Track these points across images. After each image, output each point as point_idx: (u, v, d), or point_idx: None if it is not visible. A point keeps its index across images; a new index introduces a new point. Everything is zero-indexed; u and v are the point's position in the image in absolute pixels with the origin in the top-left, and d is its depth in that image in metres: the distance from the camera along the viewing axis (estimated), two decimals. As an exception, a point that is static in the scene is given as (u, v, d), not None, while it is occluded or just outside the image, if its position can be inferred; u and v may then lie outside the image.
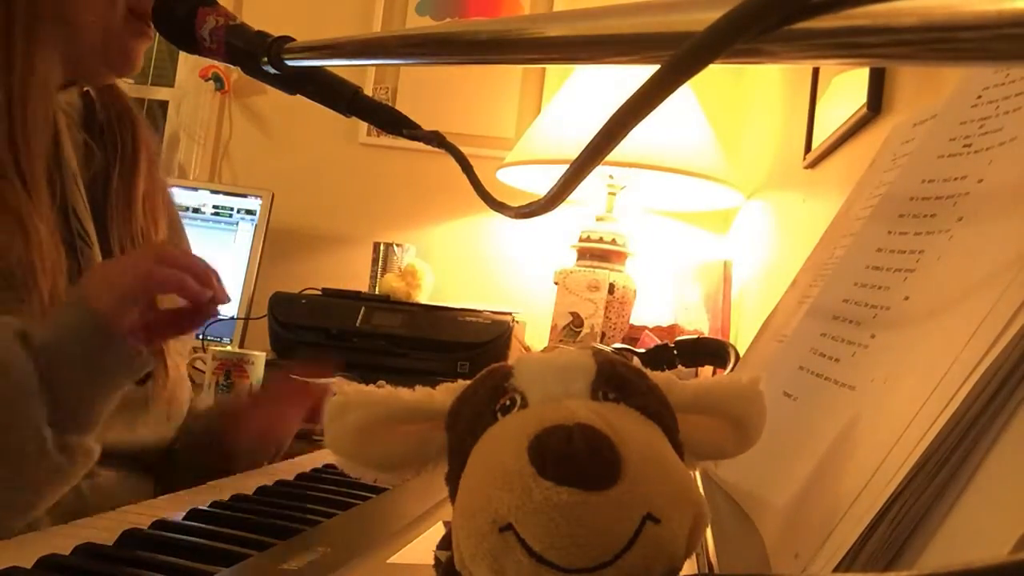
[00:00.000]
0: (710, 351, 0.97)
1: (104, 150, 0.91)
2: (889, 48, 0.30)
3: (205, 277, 0.71)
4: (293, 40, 0.71)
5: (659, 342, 1.71)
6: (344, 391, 0.36)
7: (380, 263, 2.04)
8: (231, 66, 0.79)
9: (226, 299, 0.72)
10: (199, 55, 0.81)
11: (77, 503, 0.81)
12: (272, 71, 0.71)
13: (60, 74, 0.86)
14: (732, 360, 0.89)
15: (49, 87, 0.83)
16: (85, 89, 0.92)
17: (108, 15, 0.85)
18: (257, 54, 0.71)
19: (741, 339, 1.73)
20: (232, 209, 2.11)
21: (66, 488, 0.70)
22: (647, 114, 0.32)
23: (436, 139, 0.68)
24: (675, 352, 0.95)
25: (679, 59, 0.30)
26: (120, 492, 0.87)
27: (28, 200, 0.78)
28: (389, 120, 0.74)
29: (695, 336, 1.03)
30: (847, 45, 0.31)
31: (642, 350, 0.99)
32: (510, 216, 0.51)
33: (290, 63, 0.70)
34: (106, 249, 0.86)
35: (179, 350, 0.95)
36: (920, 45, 0.28)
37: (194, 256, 0.72)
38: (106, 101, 0.93)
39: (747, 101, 2.09)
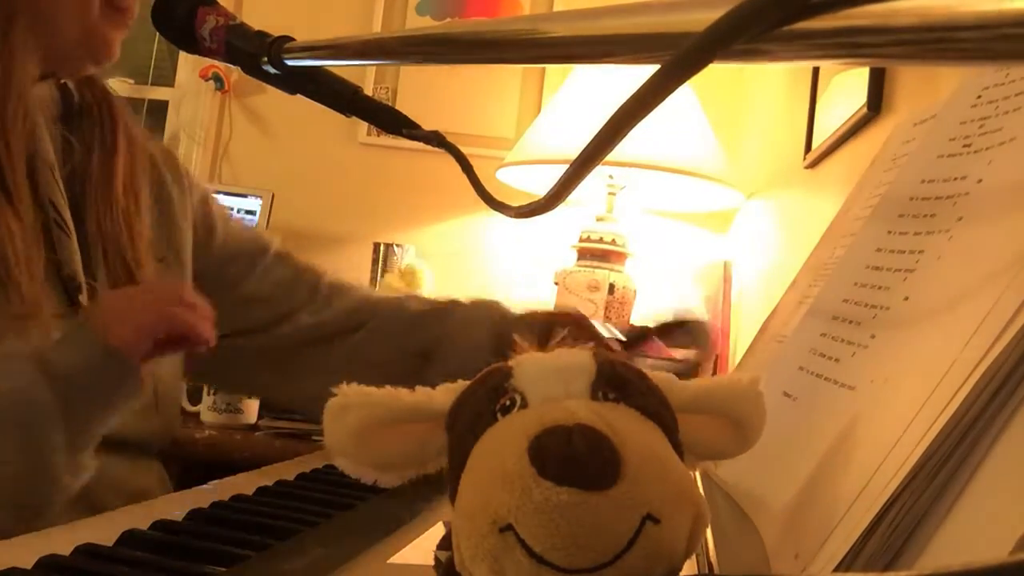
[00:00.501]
0: (681, 327, 0.97)
1: (83, 142, 0.91)
2: (889, 48, 0.30)
3: (208, 322, 0.75)
4: (293, 40, 0.71)
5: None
6: (344, 391, 0.36)
7: (380, 263, 2.04)
8: (231, 66, 0.79)
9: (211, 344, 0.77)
10: (199, 55, 0.81)
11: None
12: (272, 71, 0.72)
13: (37, 70, 0.86)
14: (704, 338, 0.90)
15: (27, 85, 0.83)
16: (62, 81, 0.92)
17: (85, 9, 0.85)
18: (257, 54, 0.71)
19: (741, 339, 1.73)
20: (232, 209, 2.10)
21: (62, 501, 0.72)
22: (647, 114, 0.32)
23: (436, 139, 0.68)
24: (654, 334, 0.96)
25: (679, 59, 0.30)
26: (125, 477, 0.87)
27: (4, 197, 0.78)
28: (389, 120, 0.74)
29: (672, 315, 1.02)
30: (847, 45, 0.31)
31: (623, 337, 0.98)
32: (510, 216, 0.51)
33: (290, 63, 0.70)
34: (83, 239, 0.87)
35: None
36: (920, 45, 0.28)
37: (201, 300, 0.76)
38: (83, 90, 0.93)
39: (747, 101, 2.09)
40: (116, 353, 0.72)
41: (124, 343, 0.72)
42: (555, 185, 0.40)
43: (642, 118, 0.33)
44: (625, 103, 0.32)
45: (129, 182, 0.92)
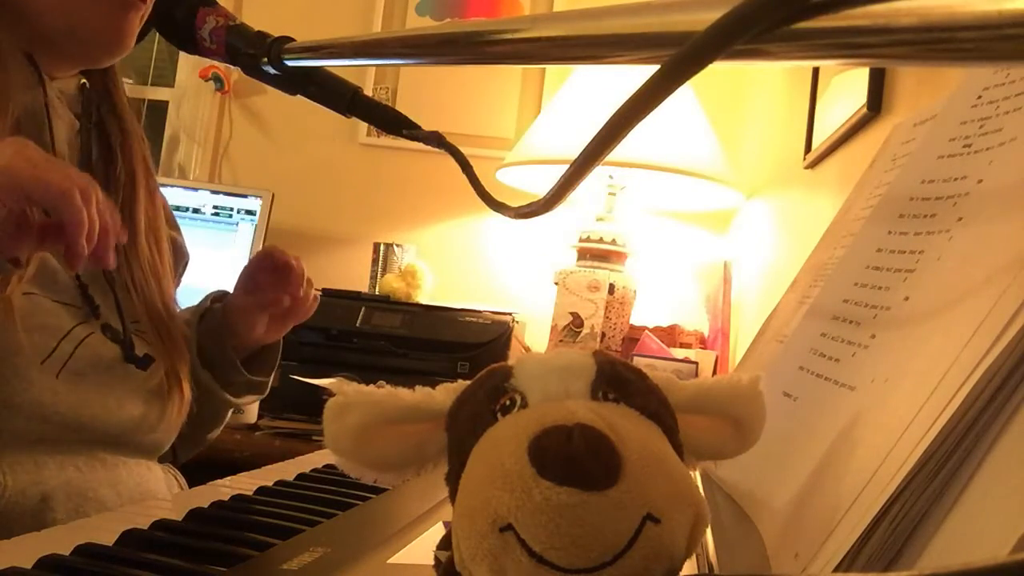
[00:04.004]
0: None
1: (100, 149, 0.90)
2: (889, 48, 0.30)
3: (102, 236, 0.64)
4: (293, 40, 0.71)
5: (660, 344, 1.71)
6: (344, 391, 0.36)
7: (380, 263, 2.04)
8: (231, 66, 0.78)
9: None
10: (199, 55, 0.81)
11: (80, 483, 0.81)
12: (272, 71, 0.72)
13: (27, 68, 0.83)
14: None
15: (9, 86, 0.80)
16: (83, 82, 0.91)
17: None
18: (257, 54, 0.71)
19: (741, 339, 1.73)
20: (232, 209, 2.11)
21: None
22: (647, 114, 0.32)
23: (436, 139, 0.68)
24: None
25: (679, 59, 0.30)
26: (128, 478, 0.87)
27: None
28: (389, 120, 0.74)
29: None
30: (847, 45, 0.31)
31: None
32: (510, 216, 0.51)
33: (290, 63, 0.70)
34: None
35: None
36: (920, 45, 0.29)
37: (110, 208, 0.66)
38: (105, 110, 0.92)
39: (747, 101, 2.09)
40: None
41: None
42: (555, 186, 0.40)
43: (642, 118, 0.33)
44: (625, 103, 0.32)
45: (153, 235, 0.91)
